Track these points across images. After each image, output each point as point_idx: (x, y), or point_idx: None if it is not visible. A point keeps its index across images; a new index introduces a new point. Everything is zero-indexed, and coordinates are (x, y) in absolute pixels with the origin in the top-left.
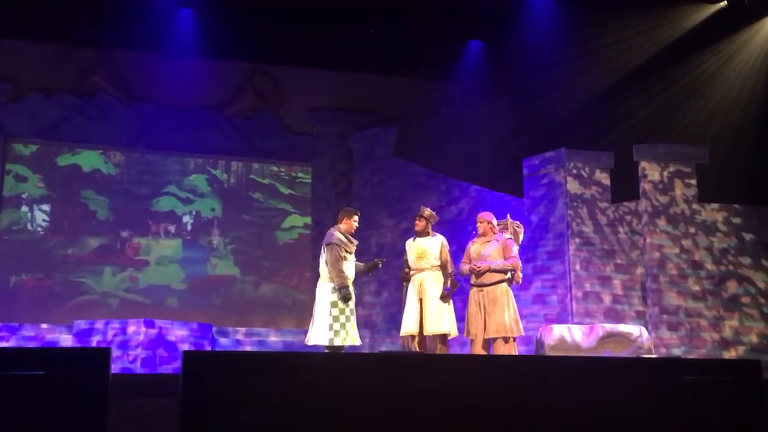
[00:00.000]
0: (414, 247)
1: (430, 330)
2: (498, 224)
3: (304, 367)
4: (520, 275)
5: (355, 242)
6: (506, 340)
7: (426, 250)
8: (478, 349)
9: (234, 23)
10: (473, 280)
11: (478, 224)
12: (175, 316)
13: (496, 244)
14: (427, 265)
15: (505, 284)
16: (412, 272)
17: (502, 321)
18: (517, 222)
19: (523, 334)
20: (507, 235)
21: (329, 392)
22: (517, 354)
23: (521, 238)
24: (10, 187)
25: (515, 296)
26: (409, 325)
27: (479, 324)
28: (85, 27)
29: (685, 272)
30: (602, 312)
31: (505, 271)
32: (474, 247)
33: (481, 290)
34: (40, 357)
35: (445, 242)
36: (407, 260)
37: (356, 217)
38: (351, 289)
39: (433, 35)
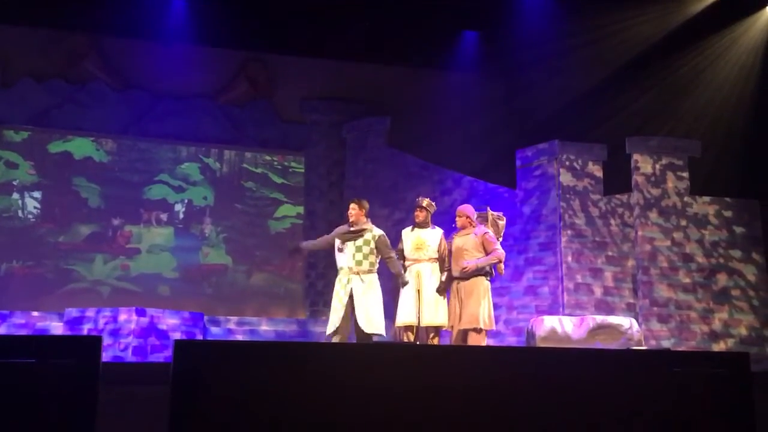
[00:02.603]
0: (413, 238)
1: (426, 321)
2: (478, 216)
3: (295, 357)
4: (502, 267)
5: (352, 228)
6: (478, 331)
7: (425, 242)
8: (455, 340)
9: (227, 11)
10: (455, 273)
11: (457, 218)
12: (167, 304)
13: (474, 237)
14: (424, 257)
15: (482, 277)
16: (407, 263)
17: (474, 312)
18: (499, 213)
19: (494, 328)
20: (486, 228)
21: (319, 381)
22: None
23: (502, 229)
24: (1, 174)
25: (506, 287)
26: (407, 316)
27: (455, 315)
28: (77, 12)
29: (675, 265)
30: (593, 304)
31: (486, 266)
32: (454, 241)
33: (459, 283)
34: (31, 345)
35: (444, 236)
36: (402, 249)
37: (351, 205)
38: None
39: (428, 25)
